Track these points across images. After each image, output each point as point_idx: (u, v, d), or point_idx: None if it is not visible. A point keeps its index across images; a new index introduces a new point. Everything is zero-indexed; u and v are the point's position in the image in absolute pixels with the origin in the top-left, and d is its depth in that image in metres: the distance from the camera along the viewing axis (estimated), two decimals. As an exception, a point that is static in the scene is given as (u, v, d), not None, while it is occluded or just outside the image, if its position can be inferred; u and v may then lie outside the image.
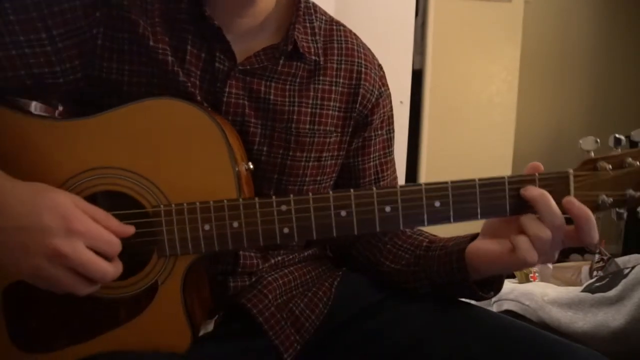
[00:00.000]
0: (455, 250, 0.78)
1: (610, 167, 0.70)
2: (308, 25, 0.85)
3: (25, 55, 0.74)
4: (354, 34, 0.92)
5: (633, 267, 1.29)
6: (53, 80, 0.76)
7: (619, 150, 0.71)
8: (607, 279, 1.35)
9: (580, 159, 0.72)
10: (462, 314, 0.81)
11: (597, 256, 1.94)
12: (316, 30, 0.86)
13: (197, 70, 0.79)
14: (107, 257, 0.67)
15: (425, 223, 0.71)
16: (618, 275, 1.31)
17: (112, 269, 0.67)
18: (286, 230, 0.71)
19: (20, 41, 0.73)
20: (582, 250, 3.35)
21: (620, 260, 1.82)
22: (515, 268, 0.71)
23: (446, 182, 0.70)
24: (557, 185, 0.70)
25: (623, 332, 1.20)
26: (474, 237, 0.78)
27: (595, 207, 0.70)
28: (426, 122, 2.72)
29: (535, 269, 2.02)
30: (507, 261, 0.71)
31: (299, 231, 0.71)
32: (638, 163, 0.70)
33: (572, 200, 0.69)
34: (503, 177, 0.71)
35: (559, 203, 0.69)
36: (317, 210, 0.71)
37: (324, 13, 0.90)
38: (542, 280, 1.96)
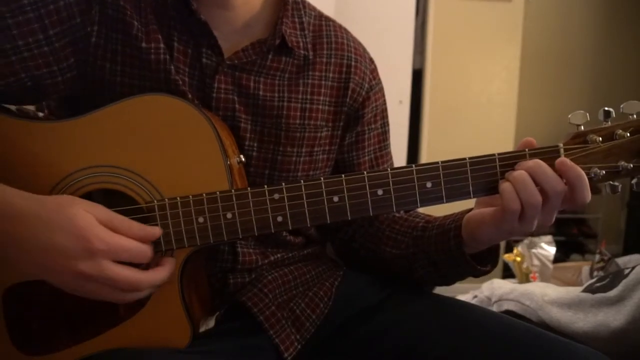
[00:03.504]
0: (452, 227, 0.78)
1: (600, 139, 0.70)
2: (297, 20, 0.85)
3: (24, 59, 0.74)
4: (344, 29, 0.92)
5: (633, 268, 1.28)
6: (52, 79, 0.76)
7: (609, 123, 0.70)
8: (608, 279, 1.35)
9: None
10: (462, 314, 0.81)
11: (597, 256, 1.94)
12: (305, 25, 0.86)
13: (184, 67, 0.79)
14: (136, 265, 0.67)
15: (418, 204, 0.72)
16: (618, 276, 1.30)
17: (144, 276, 0.67)
18: (280, 218, 0.71)
19: (19, 45, 0.73)
20: (582, 250, 3.35)
21: (621, 261, 1.82)
22: (503, 221, 0.71)
23: (437, 163, 0.71)
24: (547, 159, 0.69)
25: (623, 332, 1.20)
26: (468, 211, 0.78)
27: (589, 181, 0.69)
28: (426, 121, 2.72)
29: (535, 268, 2.02)
30: (496, 216, 0.71)
31: (293, 219, 0.71)
32: (628, 134, 0.69)
33: (564, 160, 0.69)
34: (493, 155, 0.71)
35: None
36: (309, 197, 0.71)
37: (313, 9, 0.90)
38: (542, 280, 1.96)
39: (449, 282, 0.85)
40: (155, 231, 0.70)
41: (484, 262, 0.80)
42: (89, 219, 0.65)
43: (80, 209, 0.65)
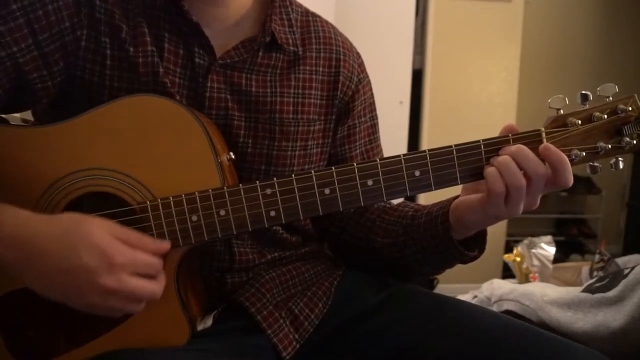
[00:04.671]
0: (440, 214, 0.80)
1: (580, 122, 0.72)
2: (285, 17, 0.86)
3: (18, 64, 0.74)
4: (330, 24, 0.93)
5: (633, 268, 1.28)
6: (42, 84, 0.76)
7: (587, 105, 0.73)
8: (607, 279, 1.35)
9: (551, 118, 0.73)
10: (462, 314, 0.81)
11: (597, 256, 1.94)
12: (293, 22, 0.87)
13: (175, 68, 0.79)
14: (151, 277, 0.68)
15: (408, 192, 0.73)
16: (618, 276, 1.30)
17: (158, 286, 0.69)
18: (273, 213, 0.72)
19: (14, 52, 0.73)
20: (582, 250, 3.35)
21: (621, 261, 1.82)
22: (489, 205, 0.72)
23: (424, 151, 0.72)
24: (530, 144, 0.72)
25: (623, 332, 1.20)
26: (455, 198, 0.80)
27: (570, 162, 0.71)
28: (426, 122, 2.72)
29: (534, 268, 2.02)
30: (483, 200, 0.73)
31: (286, 213, 0.72)
32: (605, 116, 0.72)
33: (548, 145, 0.71)
34: (478, 141, 0.73)
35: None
36: (301, 190, 0.72)
37: (300, 5, 0.91)
38: (542, 280, 1.96)
39: (436, 269, 0.86)
40: (166, 245, 0.71)
41: (471, 247, 0.81)
42: (106, 235, 0.66)
43: (94, 226, 0.66)
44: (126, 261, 0.65)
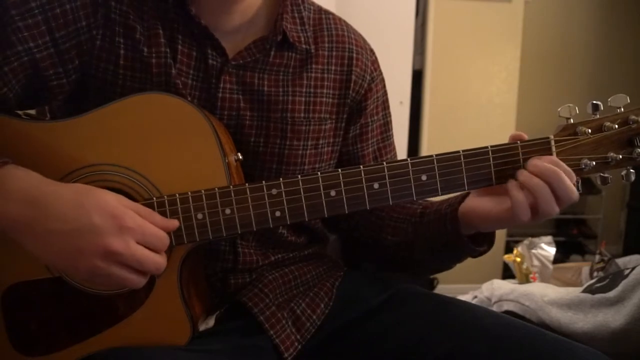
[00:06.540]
0: (448, 212, 0.80)
1: (590, 131, 0.71)
2: (297, 15, 0.86)
3: (35, 60, 0.75)
4: (344, 21, 0.92)
5: (633, 268, 1.28)
6: (57, 81, 0.77)
7: (597, 115, 0.72)
8: (608, 280, 1.35)
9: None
10: (463, 314, 0.81)
11: (597, 257, 1.94)
12: (305, 20, 0.87)
13: (189, 70, 0.80)
14: (156, 251, 0.68)
15: (414, 197, 0.73)
16: (618, 276, 1.30)
17: (163, 261, 0.69)
18: (278, 213, 0.72)
19: (30, 47, 0.74)
20: (582, 251, 3.35)
21: (621, 261, 1.81)
22: (509, 224, 0.74)
23: (431, 156, 0.72)
24: (539, 151, 0.71)
25: (623, 332, 1.20)
26: (465, 196, 0.80)
27: (579, 172, 0.71)
28: (426, 122, 2.72)
29: (535, 269, 2.02)
30: (501, 217, 0.73)
31: (291, 213, 0.72)
32: (616, 126, 0.71)
33: (534, 163, 0.70)
34: (486, 147, 0.72)
35: None
36: (306, 191, 0.72)
37: (312, 3, 0.91)
38: (542, 280, 1.95)
39: (446, 265, 0.87)
40: (175, 223, 0.71)
41: (480, 243, 0.81)
42: (117, 201, 0.67)
43: (105, 193, 0.67)
44: (136, 227, 0.66)
